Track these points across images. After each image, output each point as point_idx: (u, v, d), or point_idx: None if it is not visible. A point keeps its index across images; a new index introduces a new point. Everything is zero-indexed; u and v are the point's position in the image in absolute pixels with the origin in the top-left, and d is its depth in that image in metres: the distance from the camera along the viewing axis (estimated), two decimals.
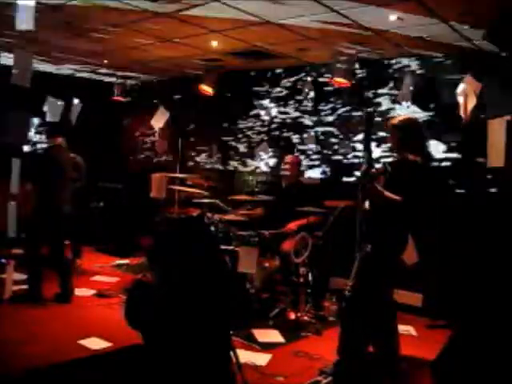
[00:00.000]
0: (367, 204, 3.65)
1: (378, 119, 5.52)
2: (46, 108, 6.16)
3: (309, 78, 6.25)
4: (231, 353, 2.44)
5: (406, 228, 3.54)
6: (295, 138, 6.42)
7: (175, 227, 2.39)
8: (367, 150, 3.46)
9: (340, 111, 6.01)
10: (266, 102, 6.73)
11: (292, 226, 5.05)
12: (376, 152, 5.36)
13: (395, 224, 3.50)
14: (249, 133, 6.96)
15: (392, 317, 3.77)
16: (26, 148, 4.76)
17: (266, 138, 6.66)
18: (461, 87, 4.56)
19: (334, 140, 6.06)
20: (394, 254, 3.56)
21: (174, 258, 2.26)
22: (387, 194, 3.39)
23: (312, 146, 6.21)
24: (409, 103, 5.35)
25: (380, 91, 5.65)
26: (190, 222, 2.57)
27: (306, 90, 6.16)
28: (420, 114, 5.26)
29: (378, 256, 3.56)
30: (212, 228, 5.28)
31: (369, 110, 3.50)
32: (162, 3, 4.18)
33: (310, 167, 6.24)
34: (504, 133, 3.54)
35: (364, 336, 3.59)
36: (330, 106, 6.10)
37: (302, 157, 6.15)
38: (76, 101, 6.61)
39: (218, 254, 4.96)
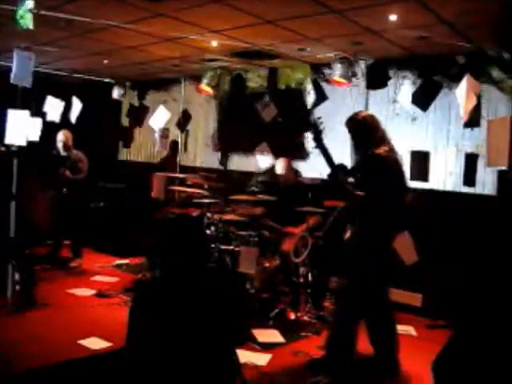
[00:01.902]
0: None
1: None
2: (46, 108, 6.19)
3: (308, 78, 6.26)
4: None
5: (384, 228, 3.53)
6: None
7: (174, 226, 2.38)
8: (325, 155, 3.52)
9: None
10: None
11: (294, 230, 5.03)
12: None
13: (373, 224, 3.51)
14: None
15: (388, 317, 3.76)
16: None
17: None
18: (461, 87, 4.56)
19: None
20: (376, 253, 3.54)
21: (174, 258, 2.26)
22: (351, 190, 3.47)
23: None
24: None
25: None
26: (188, 221, 2.56)
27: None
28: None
29: (361, 256, 3.57)
30: (212, 228, 5.29)
31: (314, 118, 3.65)
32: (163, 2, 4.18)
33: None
34: (508, 133, 3.54)
35: (350, 333, 3.60)
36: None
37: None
38: (76, 100, 6.63)
39: (210, 252, 5.00)
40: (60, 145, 6.29)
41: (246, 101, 6.92)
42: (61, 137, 6.28)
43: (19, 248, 4.73)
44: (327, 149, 3.55)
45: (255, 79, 6.93)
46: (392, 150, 3.65)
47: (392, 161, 3.60)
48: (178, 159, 7.68)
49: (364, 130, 3.64)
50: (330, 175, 3.53)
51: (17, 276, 4.84)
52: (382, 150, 3.56)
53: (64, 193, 6.19)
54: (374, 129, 3.66)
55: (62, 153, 6.29)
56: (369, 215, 3.52)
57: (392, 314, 3.80)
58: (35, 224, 5.28)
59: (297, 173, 5.69)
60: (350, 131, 3.73)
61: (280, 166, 5.41)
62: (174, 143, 7.50)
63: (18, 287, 4.79)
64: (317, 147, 3.56)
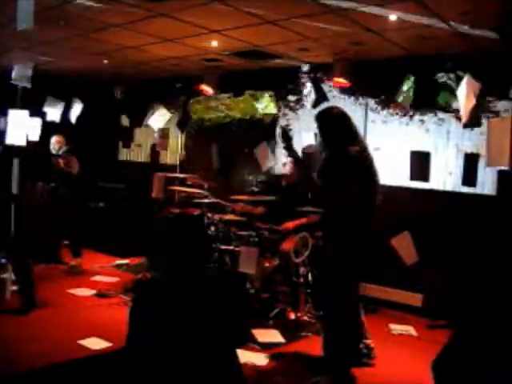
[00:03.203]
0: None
1: None
2: (46, 108, 6.21)
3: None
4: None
5: (353, 228, 3.48)
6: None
7: (170, 226, 2.38)
8: (297, 160, 3.60)
9: None
10: None
11: (289, 225, 5.02)
12: None
13: (340, 223, 3.49)
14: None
15: (352, 310, 3.71)
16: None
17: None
18: (461, 88, 4.57)
19: None
20: (344, 253, 3.51)
21: (175, 257, 2.26)
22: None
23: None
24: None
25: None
26: (184, 220, 2.56)
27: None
28: None
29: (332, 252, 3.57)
30: (212, 228, 5.29)
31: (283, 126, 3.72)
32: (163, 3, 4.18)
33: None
34: (509, 132, 3.54)
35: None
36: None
37: None
38: (76, 100, 6.64)
39: (211, 252, 5.01)
40: (51, 147, 6.42)
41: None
42: (53, 140, 6.44)
43: (17, 248, 4.72)
44: (297, 153, 3.60)
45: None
46: (365, 150, 3.58)
47: (365, 160, 3.52)
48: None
49: (339, 126, 3.54)
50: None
51: (13, 276, 4.85)
52: (355, 148, 3.47)
53: (52, 187, 6.18)
54: (349, 125, 3.58)
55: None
56: (337, 215, 3.48)
57: (355, 307, 3.75)
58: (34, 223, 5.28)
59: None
60: (323, 126, 3.61)
61: (286, 162, 5.40)
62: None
63: (13, 287, 4.81)
64: (289, 155, 3.61)
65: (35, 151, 4.93)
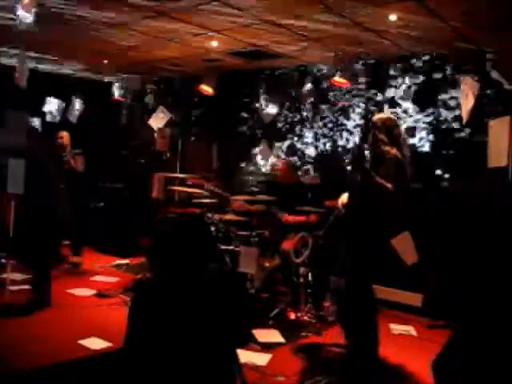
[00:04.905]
0: (342, 201, 3.74)
1: None
2: (46, 108, 6.21)
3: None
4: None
5: (383, 228, 3.53)
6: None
7: (175, 226, 2.38)
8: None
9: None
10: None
11: (289, 218, 5.04)
12: None
13: (373, 225, 3.52)
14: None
15: (369, 312, 3.72)
16: None
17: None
18: (461, 88, 4.57)
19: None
20: (370, 253, 3.56)
21: (174, 258, 2.26)
22: (379, 179, 3.44)
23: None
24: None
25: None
26: (190, 220, 2.56)
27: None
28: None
29: (354, 255, 3.58)
30: (212, 228, 5.28)
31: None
32: (163, 2, 4.19)
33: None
34: (508, 132, 3.55)
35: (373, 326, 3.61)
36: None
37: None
38: (76, 100, 6.64)
39: (217, 252, 5.02)
40: (59, 141, 6.34)
41: None
42: (58, 135, 6.35)
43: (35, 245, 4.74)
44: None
45: None
46: (404, 154, 3.69)
47: (403, 163, 3.63)
48: None
49: (388, 130, 3.66)
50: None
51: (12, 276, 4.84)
52: (393, 151, 3.57)
53: (61, 188, 6.17)
54: (393, 131, 3.71)
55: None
56: (378, 220, 3.52)
57: (372, 309, 3.76)
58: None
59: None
60: (382, 129, 3.70)
61: (278, 168, 5.42)
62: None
63: (13, 287, 4.81)
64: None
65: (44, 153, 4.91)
